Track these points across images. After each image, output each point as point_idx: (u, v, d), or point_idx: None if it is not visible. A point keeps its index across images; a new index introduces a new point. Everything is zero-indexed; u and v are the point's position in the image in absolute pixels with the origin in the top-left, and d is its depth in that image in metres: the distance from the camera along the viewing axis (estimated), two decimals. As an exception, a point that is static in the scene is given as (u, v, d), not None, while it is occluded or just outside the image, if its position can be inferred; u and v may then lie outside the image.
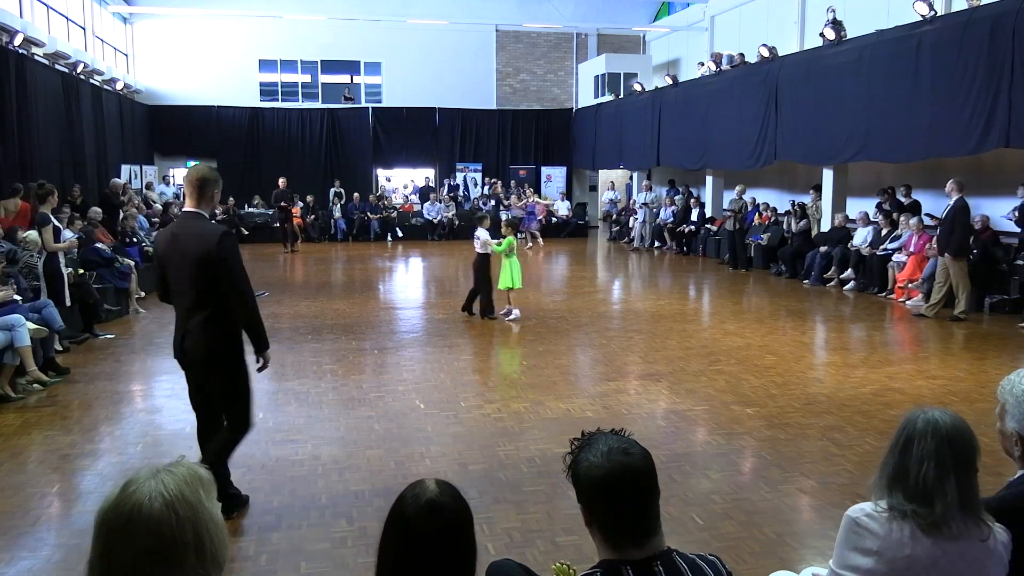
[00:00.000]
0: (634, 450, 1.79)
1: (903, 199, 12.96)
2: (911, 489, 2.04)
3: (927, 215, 12.14)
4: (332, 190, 21.95)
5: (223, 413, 4.27)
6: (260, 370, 4.25)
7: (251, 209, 21.51)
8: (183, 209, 4.25)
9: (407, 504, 1.70)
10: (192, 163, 22.68)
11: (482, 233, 10.03)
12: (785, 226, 15.16)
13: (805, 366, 7.73)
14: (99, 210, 12.04)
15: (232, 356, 4.13)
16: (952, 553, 2.03)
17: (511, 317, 10.01)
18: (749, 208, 15.91)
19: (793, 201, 15.56)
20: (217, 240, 3.96)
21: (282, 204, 19.07)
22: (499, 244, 9.98)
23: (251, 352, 4.22)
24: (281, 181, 19.25)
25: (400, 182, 23.81)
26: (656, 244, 19.41)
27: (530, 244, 19.75)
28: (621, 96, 21.78)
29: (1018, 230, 11.12)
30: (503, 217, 15.90)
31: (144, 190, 17.80)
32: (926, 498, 2.02)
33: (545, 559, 3.68)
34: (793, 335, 9.19)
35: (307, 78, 23.58)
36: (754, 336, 9.05)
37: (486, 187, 23.59)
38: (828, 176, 14.13)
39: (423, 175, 23.73)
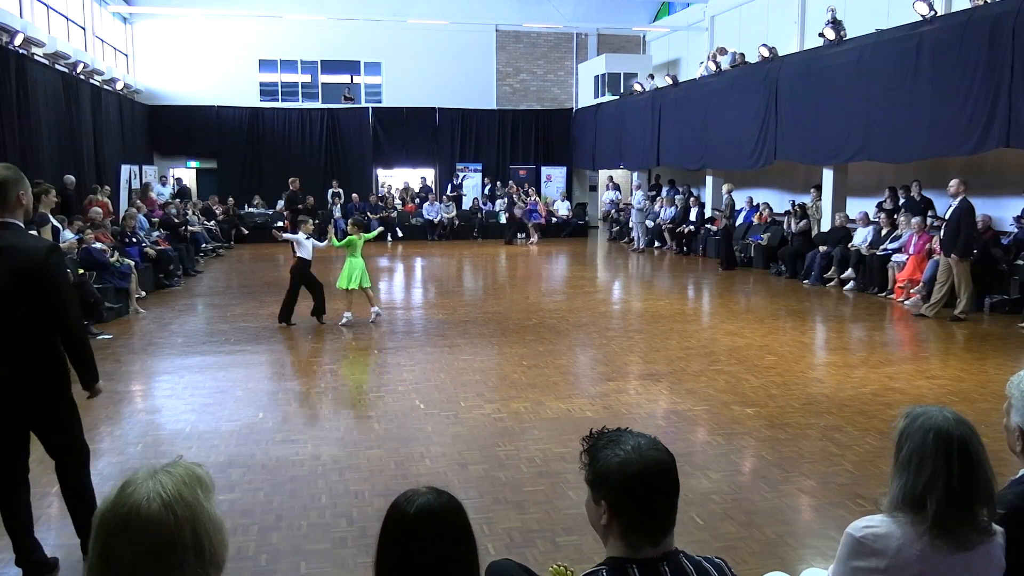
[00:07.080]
0: (661, 447, 1.81)
1: (906, 197, 12.94)
2: (918, 500, 1.99)
3: (931, 216, 12.12)
4: (330, 190, 21.78)
5: (57, 446, 3.66)
6: (90, 398, 3.75)
7: (251, 209, 21.53)
8: None
9: (400, 510, 1.71)
10: (192, 163, 22.90)
11: (300, 236, 9.85)
12: (785, 226, 15.16)
13: (805, 366, 7.72)
14: (100, 210, 12.05)
15: (58, 389, 3.56)
16: (958, 566, 2.00)
17: (343, 321, 9.68)
18: (737, 207, 15.94)
19: (793, 201, 15.55)
20: (43, 256, 3.30)
21: (299, 207, 16.66)
22: (340, 240, 9.93)
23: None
24: (293, 182, 17.08)
25: (398, 183, 23.72)
26: (656, 244, 19.43)
27: (534, 239, 20.76)
28: (621, 95, 21.79)
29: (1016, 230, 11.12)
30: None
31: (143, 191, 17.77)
32: (932, 505, 1.97)
33: (545, 559, 3.68)
34: (793, 335, 9.19)
35: (307, 78, 23.58)
36: (754, 336, 9.05)
37: (486, 187, 23.62)
38: (828, 176, 14.12)
39: (422, 175, 23.75)
